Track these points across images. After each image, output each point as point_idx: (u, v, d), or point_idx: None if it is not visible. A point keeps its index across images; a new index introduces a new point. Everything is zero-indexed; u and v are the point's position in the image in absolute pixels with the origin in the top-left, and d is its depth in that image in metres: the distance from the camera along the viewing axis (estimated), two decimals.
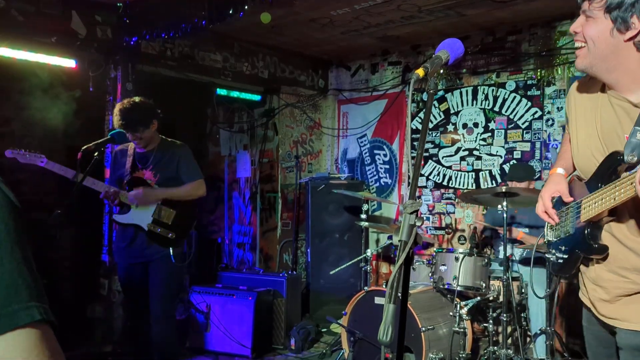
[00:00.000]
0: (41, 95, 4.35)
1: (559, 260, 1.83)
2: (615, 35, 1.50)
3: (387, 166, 5.88)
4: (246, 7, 3.38)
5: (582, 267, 1.78)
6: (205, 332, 4.47)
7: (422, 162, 5.55)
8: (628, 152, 1.53)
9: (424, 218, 5.49)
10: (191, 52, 5.07)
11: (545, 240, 1.93)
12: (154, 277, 3.25)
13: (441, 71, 5.42)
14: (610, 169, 1.59)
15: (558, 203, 1.83)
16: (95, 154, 2.75)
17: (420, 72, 1.45)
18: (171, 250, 3.22)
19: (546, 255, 1.91)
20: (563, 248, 1.80)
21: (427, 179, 5.51)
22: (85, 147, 2.72)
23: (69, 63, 4.29)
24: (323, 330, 5.03)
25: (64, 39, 4.19)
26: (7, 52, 3.95)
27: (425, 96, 5.54)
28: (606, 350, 1.78)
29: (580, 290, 1.84)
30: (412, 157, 5.64)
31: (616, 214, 1.62)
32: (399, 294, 1.28)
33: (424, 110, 5.57)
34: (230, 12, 3.51)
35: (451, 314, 3.54)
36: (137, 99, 3.31)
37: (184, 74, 5.09)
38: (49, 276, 4.50)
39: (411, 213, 1.29)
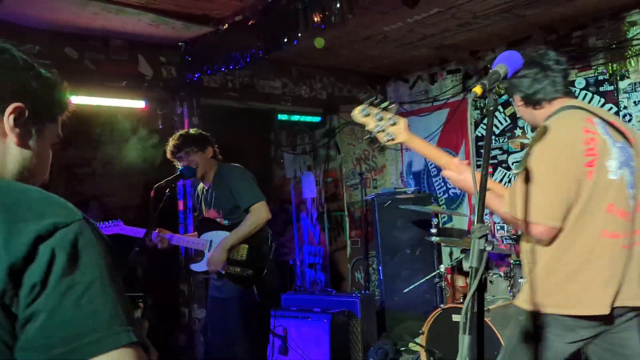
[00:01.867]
0: (115, 137, 4.62)
1: None
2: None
3: None
4: (299, 34, 3.43)
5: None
6: (283, 357, 4.50)
7: (491, 170, 5.37)
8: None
9: (494, 238, 5.29)
10: (251, 81, 5.22)
11: None
12: (237, 319, 3.09)
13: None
14: None
15: None
16: (167, 190, 2.85)
17: (478, 89, 1.42)
18: (255, 289, 3.07)
19: None
20: None
21: None
22: (157, 184, 2.84)
23: (139, 104, 4.53)
24: (402, 349, 4.93)
25: (133, 82, 4.44)
26: (83, 99, 4.23)
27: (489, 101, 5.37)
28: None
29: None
30: (478, 165, 5.47)
31: None
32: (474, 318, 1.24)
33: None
34: (285, 40, 3.58)
35: None
36: (192, 129, 3.40)
37: (245, 103, 5.24)
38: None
39: (480, 237, 1.25)
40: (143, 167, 4.70)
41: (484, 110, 5.31)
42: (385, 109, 1.95)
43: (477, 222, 1.27)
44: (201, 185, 3.39)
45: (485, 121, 5.36)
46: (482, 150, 1.47)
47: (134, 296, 1.41)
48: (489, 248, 1.23)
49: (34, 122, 0.99)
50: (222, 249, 3.12)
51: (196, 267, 3.30)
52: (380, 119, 1.95)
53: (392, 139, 1.94)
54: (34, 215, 0.84)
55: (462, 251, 4.32)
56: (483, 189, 1.31)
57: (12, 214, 0.84)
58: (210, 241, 3.23)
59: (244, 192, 3.15)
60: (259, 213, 3.12)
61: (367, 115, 1.96)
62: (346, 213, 6.06)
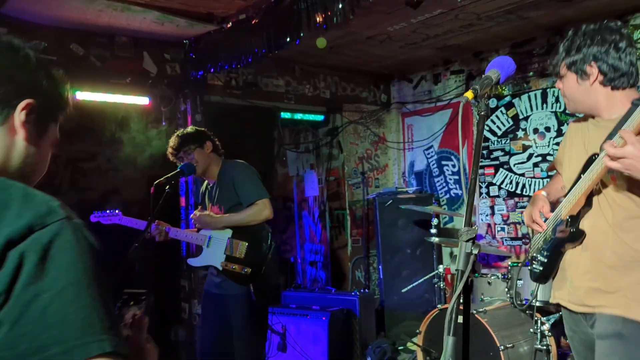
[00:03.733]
0: (120, 132, 4.66)
1: (540, 268, 2.00)
2: (581, 83, 1.87)
3: (457, 177, 5.74)
4: (302, 34, 3.45)
5: (563, 265, 1.97)
6: (282, 353, 4.54)
7: (493, 172, 5.38)
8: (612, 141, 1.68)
9: (494, 239, 5.30)
10: (254, 79, 5.25)
11: (529, 255, 2.09)
12: (234, 318, 3.08)
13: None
14: (587, 166, 1.83)
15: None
16: (167, 187, 2.88)
17: (469, 94, 1.44)
18: (252, 287, 3.06)
19: (528, 268, 2.09)
20: (545, 253, 1.99)
21: (500, 187, 5.32)
22: (156, 181, 2.86)
23: (143, 101, 4.57)
24: (400, 348, 4.96)
25: (138, 79, 4.48)
26: (88, 95, 4.27)
27: (491, 103, 5.38)
28: (594, 354, 1.87)
29: (555, 296, 2.01)
30: (480, 167, 5.49)
31: (592, 205, 1.85)
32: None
33: (490, 118, 5.41)
34: (288, 40, 3.60)
35: (532, 330, 3.38)
36: (189, 127, 3.42)
37: (248, 101, 5.27)
38: None
39: (467, 241, 1.27)
40: (147, 163, 4.74)
41: (492, 100, 5.33)
42: None
43: (464, 225, 1.29)
44: (206, 182, 3.41)
45: (488, 123, 5.38)
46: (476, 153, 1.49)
47: (137, 293, 1.43)
48: (475, 251, 1.25)
49: (41, 119, 1.00)
50: (216, 218, 3.15)
51: (194, 261, 3.31)
52: None
53: None
54: (12, 215, 0.80)
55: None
56: (472, 192, 1.33)
57: None
58: (210, 237, 3.23)
59: (247, 188, 3.13)
60: (259, 210, 3.11)
61: None
62: (348, 212, 6.08)
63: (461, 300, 1.29)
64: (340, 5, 3.16)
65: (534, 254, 2.06)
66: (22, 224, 0.79)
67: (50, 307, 0.77)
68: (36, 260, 0.77)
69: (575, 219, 1.89)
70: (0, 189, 0.84)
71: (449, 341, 1.19)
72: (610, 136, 1.71)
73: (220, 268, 3.14)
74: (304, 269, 6.56)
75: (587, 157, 1.85)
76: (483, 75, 1.50)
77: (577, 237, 1.88)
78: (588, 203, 1.86)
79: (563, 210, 1.92)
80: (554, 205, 2.07)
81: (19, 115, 0.96)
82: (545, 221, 2.01)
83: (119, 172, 5.14)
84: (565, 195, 1.97)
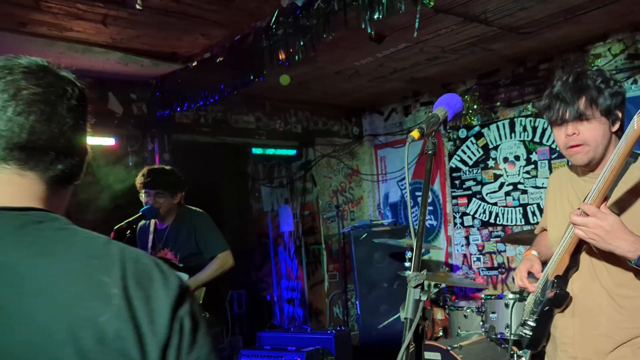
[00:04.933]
0: (87, 175, 4.55)
1: (529, 333, 1.83)
2: (610, 129, 1.73)
3: (431, 207, 5.73)
4: (264, 72, 3.44)
5: (554, 333, 1.83)
6: None
7: (466, 202, 5.37)
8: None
9: (470, 270, 5.26)
10: (224, 116, 5.22)
11: (522, 319, 1.91)
12: None
13: (475, 106, 5.32)
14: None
15: (531, 278, 1.89)
16: (128, 232, 2.80)
17: (415, 134, 1.41)
18: (223, 329, 3.12)
19: (519, 333, 1.92)
20: (534, 317, 1.82)
21: (473, 217, 5.31)
22: (117, 226, 2.78)
23: (109, 141, 4.49)
24: None
25: (103, 120, 4.40)
26: None
27: (461, 133, 5.43)
28: None
29: None
30: (454, 197, 5.48)
31: (578, 264, 1.75)
32: None
33: (461, 148, 5.44)
34: (252, 77, 3.59)
35: None
36: (169, 167, 3.34)
37: (218, 138, 5.23)
38: None
39: (415, 287, 1.21)
40: (116, 205, 4.62)
41: (461, 130, 5.37)
42: None
43: (412, 270, 1.23)
44: (154, 222, 3.31)
45: (459, 153, 5.41)
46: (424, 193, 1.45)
47: None
48: (424, 298, 1.20)
49: None
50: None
51: None
52: None
53: None
54: (160, 285, 0.82)
55: (435, 285, 4.28)
56: (420, 235, 1.29)
57: (144, 286, 0.81)
58: None
59: (211, 241, 3.16)
60: (225, 261, 3.13)
61: None
62: (324, 246, 6.01)
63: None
64: (301, 43, 3.16)
65: (526, 318, 1.89)
66: (172, 294, 0.82)
67: None
68: (189, 328, 0.82)
69: (562, 280, 1.75)
70: (137, 259, 0.84)
71: None
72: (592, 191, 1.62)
73: None
74: (281, 307, 6.42)
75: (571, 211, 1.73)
76: (429, 114, 1.47)
77: (562, 299, 1.74)
78: (574, 262, 1.74)
79: (549, 270, 1.80)
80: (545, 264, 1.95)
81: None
82: (536, 282, 1.86)
83: (86, 214, 5.01)
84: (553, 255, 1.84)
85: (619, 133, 1.73)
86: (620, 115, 1.73)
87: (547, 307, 1.77)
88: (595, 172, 1.78)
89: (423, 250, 5.34)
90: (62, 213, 0.93)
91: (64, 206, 0.96)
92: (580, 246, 1.72)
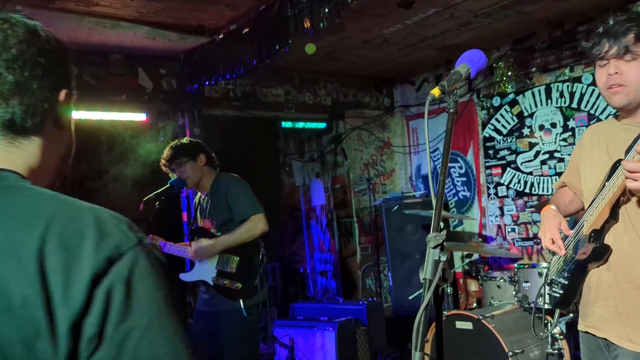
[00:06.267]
0: (122, 150, 4.64)
1: (560, 291, 1.76)
2: None
3: (464, 178, 5.62)
4: (290, 41, 3.40)
5: (586, 290, 1.76)
6: None
7: (500, 172, 5.24)
8: (629, 156, 1.55)
9: (505, 240, 5.15)
10: (253, 90, 5.21)
11: (548, 278, 1.84)
12: (225, 334, 3.00)
13: (509, 73, 5.14)
14: (612, 174, 1.63)
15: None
16: (157, 203, 2.84)
17: (435, 92, 1.35)
18: (242, 303, 2.97)
19: (547, 293, 1.84)
20: (565, 274, 1.75)
21: (508, 187, 5.19)
22: (146, 198, 2.82)
23: (140, 117, 4.56)
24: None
25: (133, 95, 4.47)
26: (84, 114, 4.27)
27: (495, 101, 5.27)
28: None
29: (580, 322, 1.81)
30: (487, 167, 5.36)
31: (617, 217, 1.66)
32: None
33: (495, 116, 5.29)
34: (277, 47, 3.55)
35: (542, 334, 3.25)
36: (185, 138, 3.35)
37: (248, 112, 5.23)
38: None
39: (435, 247, 1.18)
40: (152, 179, 4.71)
41: (495, 98, 5.22)
42: None
43: (432, 231, 1.20)
44: (199, 194, 3.35)
45: (493, 122, 5.26)
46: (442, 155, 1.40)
47: None
48: (443, 258, 1.17)
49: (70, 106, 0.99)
50: (211, 245, 3.05)
51: (185, 276, 3.23)
52: None
53: None
54: (90, 247, 0.72)
55: (467, 256, 4.21)
56: (440, 196, 1.25)
57: (70, 247, 0.72)
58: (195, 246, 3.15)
59: (241, 204, 3.07)
60: (254, 226, 3.02)
61: None
62: (355, 219, 5.99)
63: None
64: (326, 9, 3.09)
65: (553, 277, 1.83)
66: (102, 257, 0.72)
67: (141, 345, 0.73)
68: (122, 296, 0.72)
69: (599, 233, 1.68)
70: (71, 216, 0.76)
71: (416, 357, 1.10)
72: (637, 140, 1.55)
73: (211, 283, 3.08)
74: (314, 279, 6.47)
75: (611, 164, 1.66)
76: (452, 71, 1.41)
77: (602, 253, 1.66)
78: (613, 215, 1.66)
79: (585, 224, 1.73)
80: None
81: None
82: (565, 239, 1.80)
83: (126, 189, 5.13)
84: (587, 209, 1.77)
85: None
86: None
87: (582, 263, 1.70)
88: (635, 118, 1.69)
89: (456, 221, 5.29)
90: (36, 171, 0.86)
91: (38, 164, 0.87)
92: (619, 199, 1.64)
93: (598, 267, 1.71)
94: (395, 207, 5.30)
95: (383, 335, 4.73)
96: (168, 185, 3.01)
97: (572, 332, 3.53)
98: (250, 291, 3.02)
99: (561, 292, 1.76)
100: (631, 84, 1.65)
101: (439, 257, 1.17)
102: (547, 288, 1.82)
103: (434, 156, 5.94)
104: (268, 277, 3.28)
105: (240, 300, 3.00)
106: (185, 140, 3.29)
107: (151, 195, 2.85)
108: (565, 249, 1.80)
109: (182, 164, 3.10)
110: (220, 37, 4.07)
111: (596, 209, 1.67)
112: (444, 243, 1.20)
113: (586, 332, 1.80)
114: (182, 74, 4.57)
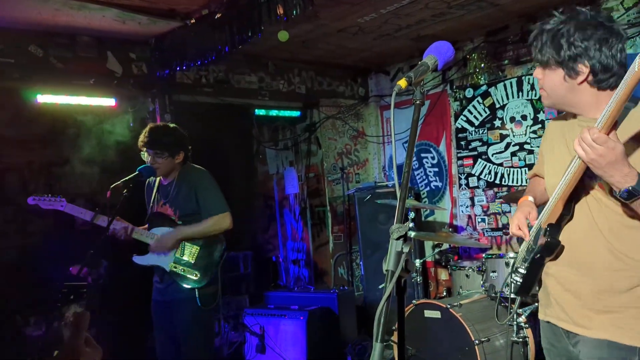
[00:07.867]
0: (90, 135, 4.54)
1: (519, 280, 1.82)
2: (568, 80, 1.67)
3: (436, 169, 5.67)
4: (262, 28, 3.35)
5: (545, 280, 1.82)
6: (261, 355, 4.46)
7: (472, 162, 5.31)
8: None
9: (475, 231, 5.22)
10: (226, 76, 5.14)
11: (514, 267, 1.89)
12: (179, 323, 2.99)
13: (482, 65, 5.18)
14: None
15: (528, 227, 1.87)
16: (124, 190, 2.78)
17: (402, 83, 1.36)
18: (197, 292, 2.97)
19: (511, 281, 1.90)
20: (525, 265, 1.81)
21: (479, 178, 5.25)
22: (113, 185, 2.77)
23: (109, 102, 4.45)
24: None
25: (102, 80, 4.36)
26: (50, 98, 4.15)
27: (468, 93, 5.31)
28: None
29: (540, 311, 1.88)
30: (459, 157, 5.41)
31: (571, 214, 1.71)
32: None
33: (467, 108, 5.33)
34: (250, 34, 3.50)
35: (507, 322, 3.32)
36: (172, 125, 3.26)
37: (220, 98, 5.16)
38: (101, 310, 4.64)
39: (397, 239, 1.18)
40: (121, 165, 4.61)
41: (468, 90, 5.26)
42: None
43: (396, 222, 1.20)
44: (160, 178, 3.25)
45: (465, 113, 5.31)
46: (408, 146, 1.40)
47: (77, 285, 1.33)
48: (406, 250, 1.17)
49: None
50: (173, 236, 3.03)
51: (140, 259, 3.11)
52: None
53: None
54: None
55: (436, 246, 4.27)
56: (404, 187, 1.25)
57: None
58: (161, 235, 3.11)
59: (211, 200, 3.06)
60: (219, 222, 3.04)
61: None
62: (328, 208, 6.00)
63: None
64: None
65: (517, 265, 1.87)
66: None
67: None
68: None
69: (555, 228, 1.71)
70: None
71: (376, 348, 1.10)
72: None
73: (168, 269, 3.04)
74: (287, 268, 6.48)
75: (570, 159, 1.66)
76: (419, 62, 1.41)
77: (552, 248, 1.70)
78: (567, 210, 1.69)
79: (543, 217, 1.76)
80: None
81: None
82: (531, 229, 1.83)
83: (92, 176, 5.02)
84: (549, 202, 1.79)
85: (600, 84, 1.64)
86: (584, 69, 1.63)
87: (538, 255, 1.74)
88: (586, 116, 1.72)
89: (427, 211, 5.33)
90: None
91: None
92: (574, 194, 1.67)
93: (554, 261, 1.75)
94: (368, 197, 5.32)
95: (354, 323, 4.77)
96: (137, 172, 2.95)
97: (537, 321, 3.62)
98: (207, 281, 3.02)
99: (520, 280, 1.81)
100: (548, 91, 1.73)
101: (402, 248, 1.17)
102: (512, 276, 1.86)
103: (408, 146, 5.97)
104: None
105: (196, 290, 2.98)
106: (172, 128, 3.18)
107: (119, 182, 2.79)
108: (531, 238, 1.84)
109: (160, 156, 3.05)
110: (192, 21, 3.99)
111: (552, 203, 1.70)
112: (408, 234, 1.20)
113: (547, 322, 1.83)
114: (152, 59, 4.48)
